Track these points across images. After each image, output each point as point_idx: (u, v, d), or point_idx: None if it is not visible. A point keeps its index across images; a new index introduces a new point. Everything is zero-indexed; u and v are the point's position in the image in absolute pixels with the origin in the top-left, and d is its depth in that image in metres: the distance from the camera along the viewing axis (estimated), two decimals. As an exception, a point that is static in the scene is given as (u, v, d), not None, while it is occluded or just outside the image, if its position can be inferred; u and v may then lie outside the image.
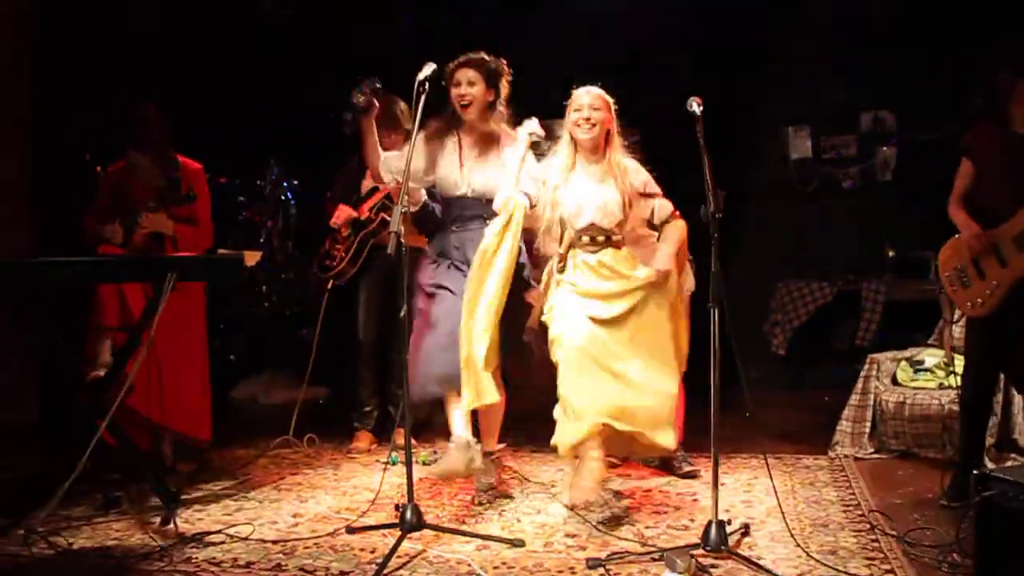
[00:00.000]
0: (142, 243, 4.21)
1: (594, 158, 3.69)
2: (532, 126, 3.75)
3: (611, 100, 3.67)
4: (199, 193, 4.32)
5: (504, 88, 3.85)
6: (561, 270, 3.69)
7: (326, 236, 4.89)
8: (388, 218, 4.35)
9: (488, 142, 3.84)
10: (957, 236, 3.69)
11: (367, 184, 4.80)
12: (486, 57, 3.82)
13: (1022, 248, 3.46)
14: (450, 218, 3.92)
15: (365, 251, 4.77)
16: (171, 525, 3.48)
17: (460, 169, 3.83)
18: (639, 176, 3.70)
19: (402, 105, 4.63)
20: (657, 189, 3.72)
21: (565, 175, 3.69)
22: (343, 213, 4.78)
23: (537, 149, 3.78)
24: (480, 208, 3.81)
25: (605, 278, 3.62)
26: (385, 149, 4.76)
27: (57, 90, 5.33)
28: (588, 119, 3.62)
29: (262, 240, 6.50)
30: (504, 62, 3.86)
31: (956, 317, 3.85)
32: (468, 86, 3.77)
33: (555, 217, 3.69)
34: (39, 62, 5.32)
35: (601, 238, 3.65)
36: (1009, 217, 3.51)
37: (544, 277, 3.81)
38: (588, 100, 3.64)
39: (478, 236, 3.73)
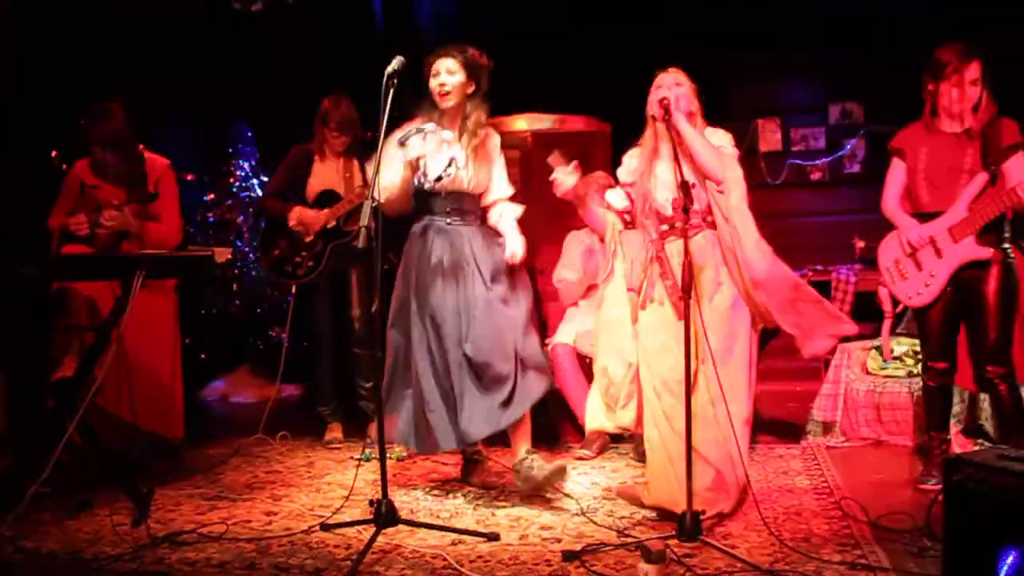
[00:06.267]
0: (108, 241, 4.16)
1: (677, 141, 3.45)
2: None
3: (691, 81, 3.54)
4: (167, 190, 4.28)
5: (484, 81, 3.80)
6: (659, 257, 3.55)
7: (279, 237, 4.80)
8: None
9: (479, 135, 3.79)
10: (892, 232, 3.82)
11: (315, 184, 4.77)
12: (467, 48, 3.78)
13: (957, 239, 3.61)
14: (439, 211, 3.80)
15: (327, 255, 4.77)
16: (143, 526, 3.44)
17: (462, 162, 3.76)
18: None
19: (350, 108, 4.73)
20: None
21: (648, 162, 3.57)
22: (305, 218, 4.73)
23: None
24: (474, 203, 3.83)
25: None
26: (333, 149, 4.79)
27: (23, 87, 5.26)
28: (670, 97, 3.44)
29: (232, 238, 6.46)
30: (484, 56, 3.81)
31: (899, 310, 3.92)
32: (447, 74, 3.73)
33: (646, 208, 3.56)
34: (4, 58, 5.24)
35: (695, 220, 3.45)
36: (942, 208, 3.66)
37: (638, 269, 3.66)
38: (673, 77, 3.52)
39: (474, 233, 3.77)
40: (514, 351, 3.67)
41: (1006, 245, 3.62)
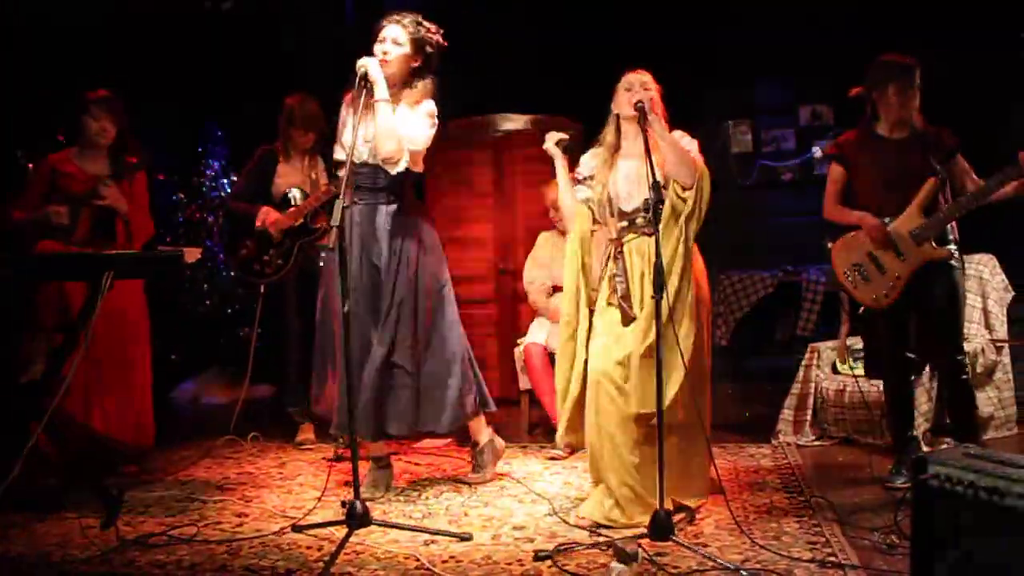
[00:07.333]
0: (88, 233, 4.13)
1: (641, 139, 3.40)
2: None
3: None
4: (139, 187, 4.28)
5: (433, 58, 3.68)
6: (616, 257, 3.52)
7: (245, 237, 4.79)
8: (326, 225, 4.31)
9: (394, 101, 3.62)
10: (847, 235, 3.87)
11: (281, 184, 4.77)
12: (420, 21, 3.66)
13: (920, 242, 3.69)
14: (353, 191, 3.70)
15: (295, 252, 4.76)
16: (112, 528, 3.40)
17: (357, 132, 3.55)
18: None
19: (314, 105, 4.71)
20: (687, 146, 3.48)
21: (610, 159, 3.56)
22: (271, 217, 4.72)
23: None
24: (382, 178, 3.67)
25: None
26: (298, 148, 4.78)
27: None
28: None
29: (203, 238, 6.41)
30: (439, 34, 3.70)
31: (861, 311, 3.97)
32: (392, 43, 3.60)
33: (604, 200, 3.54)
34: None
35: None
36: (892, 214, 3.73)
37: (600, 264, 3.61)
38: (641, 79, 3.51)
39: (384, 211, 3.67)
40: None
41: (952, 246, 3.74)
